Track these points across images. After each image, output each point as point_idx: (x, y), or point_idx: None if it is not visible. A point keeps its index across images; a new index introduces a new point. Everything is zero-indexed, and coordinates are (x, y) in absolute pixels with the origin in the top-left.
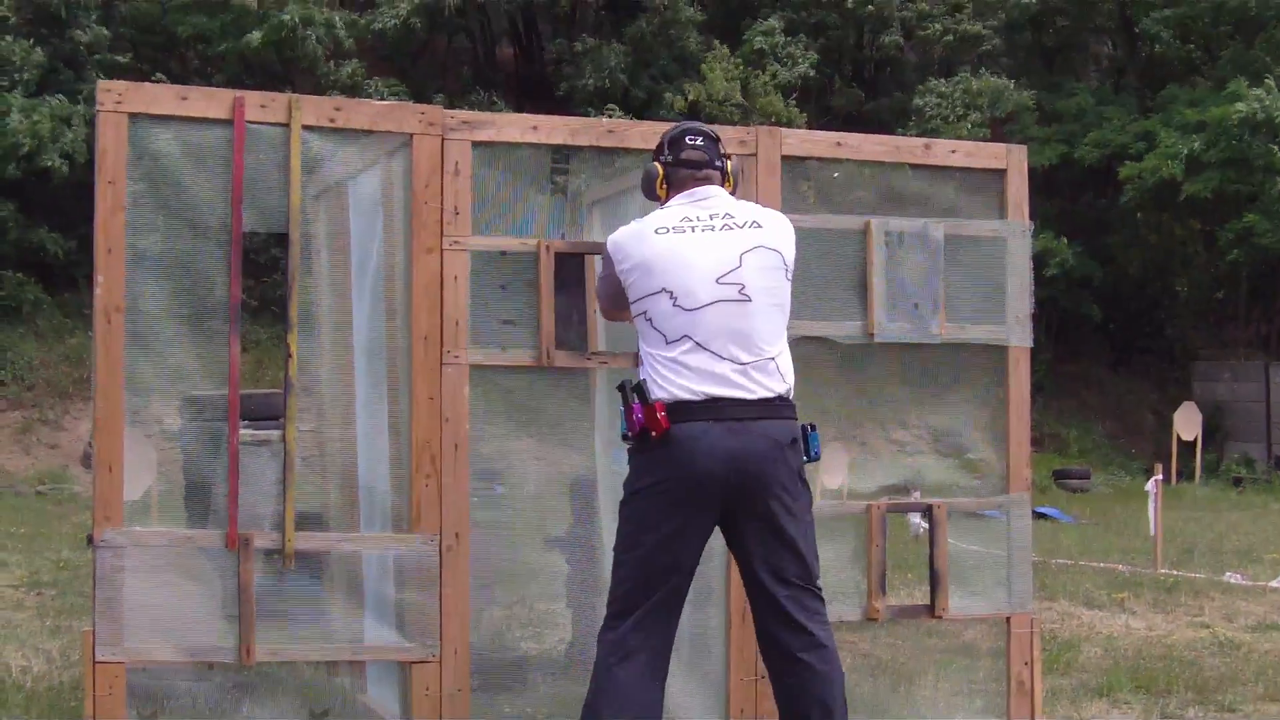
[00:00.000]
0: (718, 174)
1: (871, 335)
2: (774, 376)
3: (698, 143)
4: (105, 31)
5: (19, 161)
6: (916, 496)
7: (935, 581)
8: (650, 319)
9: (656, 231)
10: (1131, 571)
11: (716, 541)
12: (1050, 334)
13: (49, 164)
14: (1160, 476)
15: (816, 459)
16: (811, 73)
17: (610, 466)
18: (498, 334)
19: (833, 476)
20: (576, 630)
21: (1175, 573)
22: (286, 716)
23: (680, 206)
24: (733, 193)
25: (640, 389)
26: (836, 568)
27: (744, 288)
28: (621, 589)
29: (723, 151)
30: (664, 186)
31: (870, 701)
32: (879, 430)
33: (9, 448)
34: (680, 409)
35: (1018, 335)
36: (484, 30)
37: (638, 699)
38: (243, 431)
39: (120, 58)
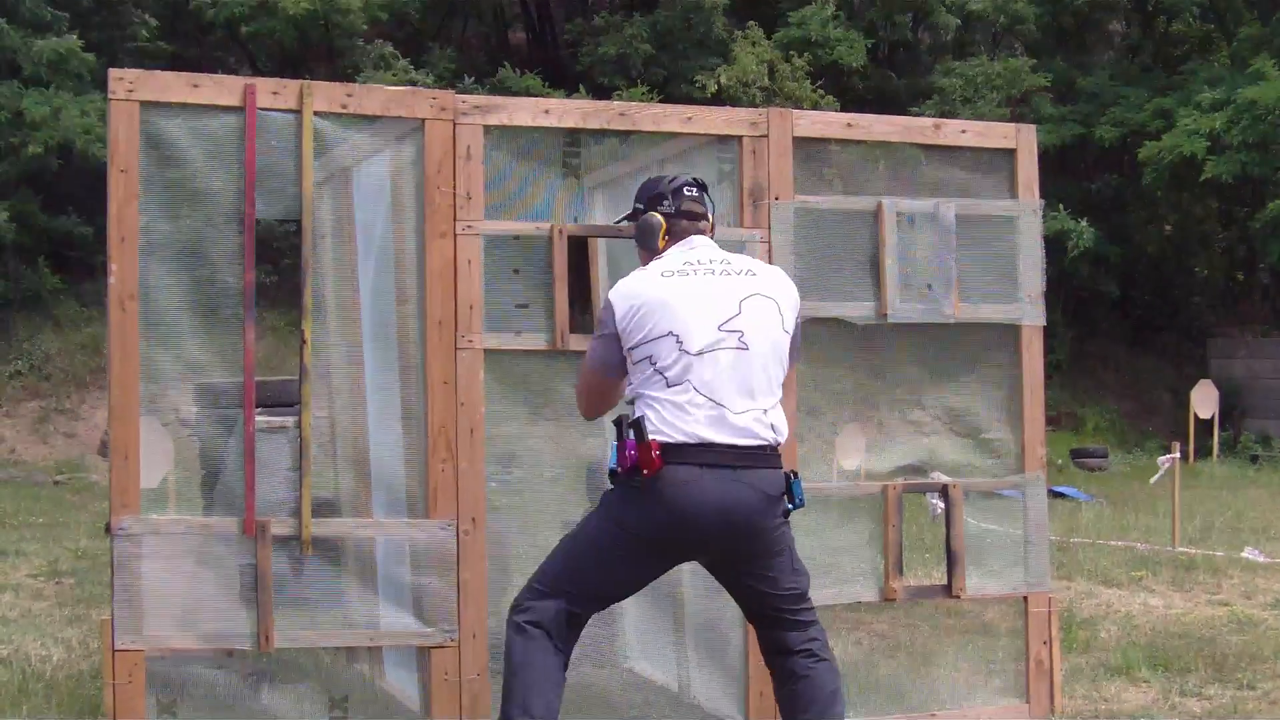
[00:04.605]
0: (708, 223)
1: (885, 316)
2: (766, 427)
3: (694, 193)
4: (153, 21)
5: (58, 154)
6: (934, 477)
7: (952, 561)
8: (654, 362)
9: (662, 275)
10: (1149, 550)
11: None
12: (1067, 313)
13: (101, 157)
14: (1177, 454)
15: (801, 505)
16: (864, 52)
17: None
18: (512, 318)
19: (849, 458)
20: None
21: (1193, 551)
22: (306, 703)
23: (679, 252)
24: (711, 235)
25: (638, 425)
26: (853, 549)
27: (743, 335)
28: (558, 585)
29: (710, 200)
30: (665, 239)
31: (888, 682)
32: (894, 411)
33: (26, 437)
34: (674, 450)
35: (1030, 314)
36: (496, 16)
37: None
38: (258, 419)
39: (157, 44)
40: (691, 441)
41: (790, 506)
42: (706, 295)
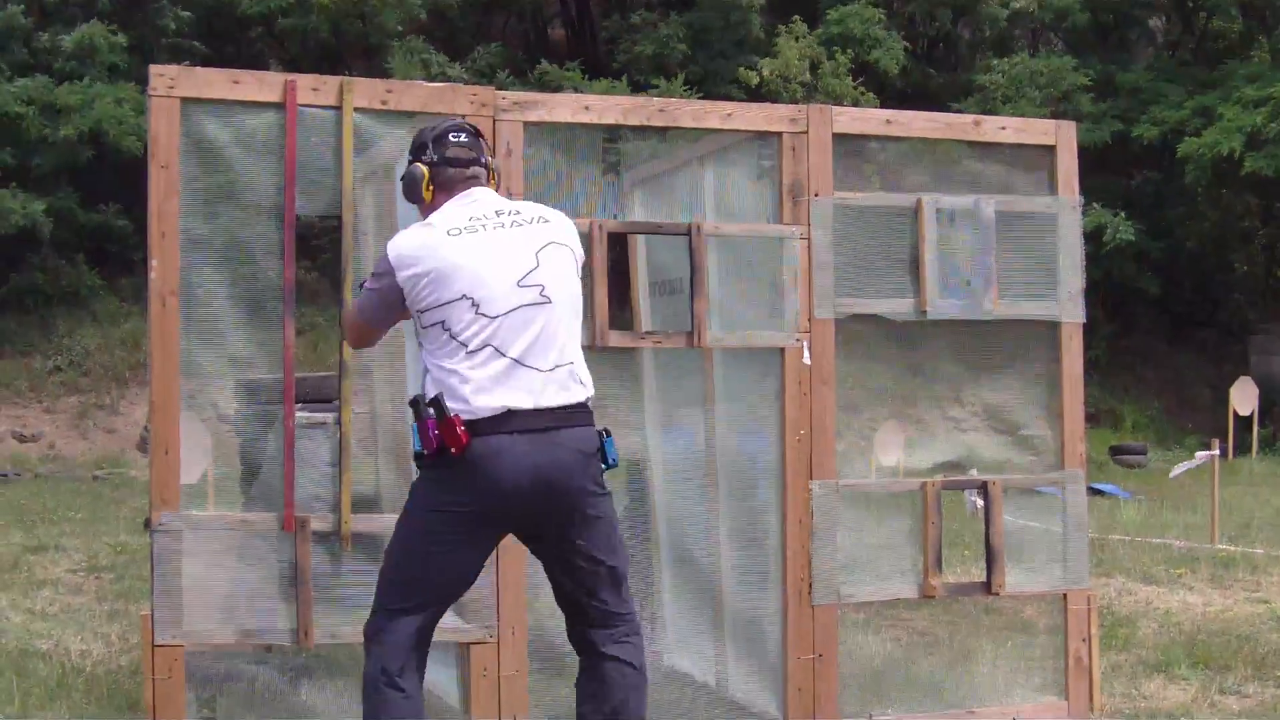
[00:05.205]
0: (484, 171)
1: (924, 312)
2: (574, 384)
3: (462, 139)
4: (187, 14)
5: (94, 145)
6: (972, 473)
7: (991, 558)
8: (449, 328)
9: (449, 233)
10: (1189, 547)
11: (771, 523)
12: (1107, 310)
13: (135, 150)
14: (1217, 451)
15: (615, 465)
16: (903, 56)
17: (662, 446)
18: None
19: (888, 454)
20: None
21: (1233, 548)
22: (344, 698)
23: (462, 207)
24: (497, 189)
25: (437, 403)
26: (893, 545)
27: (544, 289)
28: (404, 598)
29: (486, 146)
30: (430, 189)
31: (927, 679)
32: (934, 407)
33: (66, 433)
34: (480, 424)
35: (1070, 311)
36: (535, 12)
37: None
38: (298, 414)
39: (192, 43)
40: (497, 413)
41: (604, 466)
42: (500, 251)
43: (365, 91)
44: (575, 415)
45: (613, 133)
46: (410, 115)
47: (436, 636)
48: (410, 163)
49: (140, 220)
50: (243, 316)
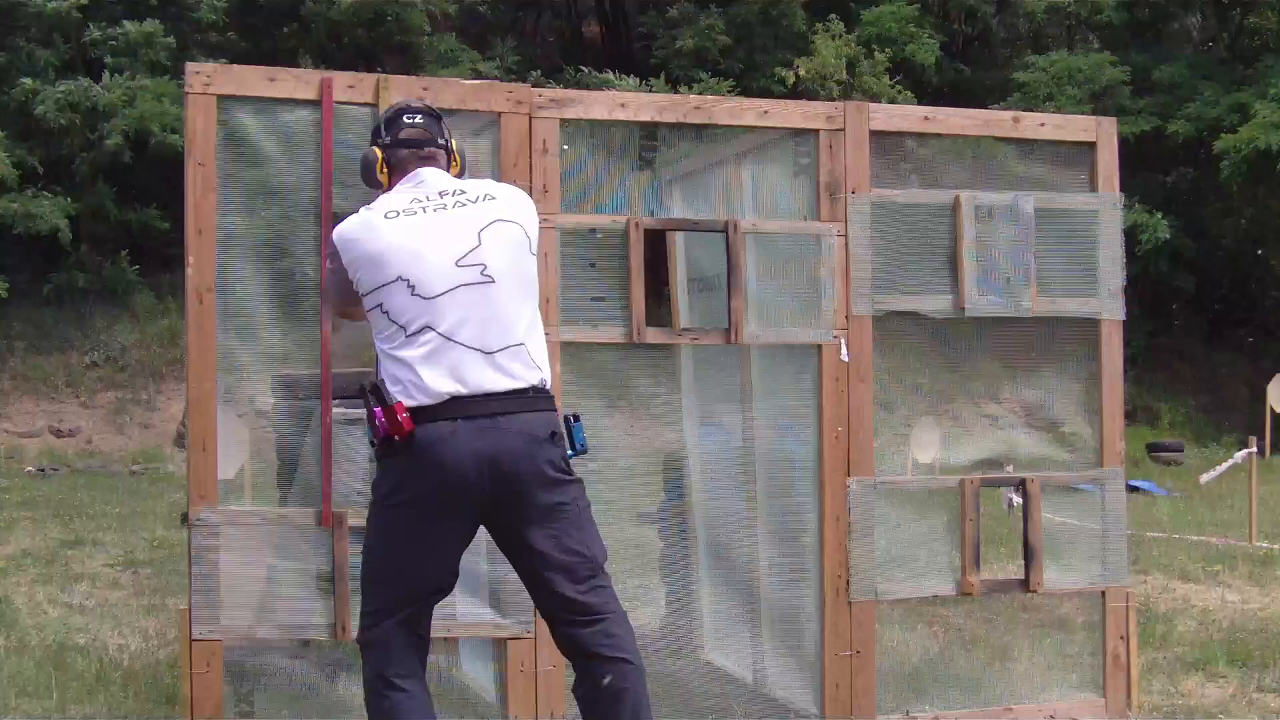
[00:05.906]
0: (442, 153)
1: (963, 309)
2: (526, 364)
3: (416, 120)
4: (223, 4)
5: (134, 143)
6: (1010, 470)
7: (1029, 556)
8: (387, 311)
9: (386, 216)
10: (1226, 544)
11: (809, 520)
12: (1143, 307)
13: (179, 145)
14: (1254, 450)
15: (584, 451)
16: (939, 52)
17: (699, 442)
18: (588, 311)
19: (925, 451)
20: (670, 605)
21: (1271, 545)
22: None
23: (407, 189)
24: (460, 174)
25: (378, 391)
26: (930, 542)
27: (486, 268)
28: (382, 599)
29: (446, 129)
30: (384, 171)
31: (965, 676)
32: (971, 404)
33: (103, 428)
34: (423, 410)
35: (1110, 308)
36: (570, 9)
37: None
38: (335, 410)
39: (226, 35)
40: (442, 399)
41: (571, 453)
42: (438, 232)
43: (401, 89)
44: (525, 399)
45: (649, 130)
46: (447, 113)
47: (474, 632)
48: (369, 146)
49: (178, 217)
50: (280, 312)
